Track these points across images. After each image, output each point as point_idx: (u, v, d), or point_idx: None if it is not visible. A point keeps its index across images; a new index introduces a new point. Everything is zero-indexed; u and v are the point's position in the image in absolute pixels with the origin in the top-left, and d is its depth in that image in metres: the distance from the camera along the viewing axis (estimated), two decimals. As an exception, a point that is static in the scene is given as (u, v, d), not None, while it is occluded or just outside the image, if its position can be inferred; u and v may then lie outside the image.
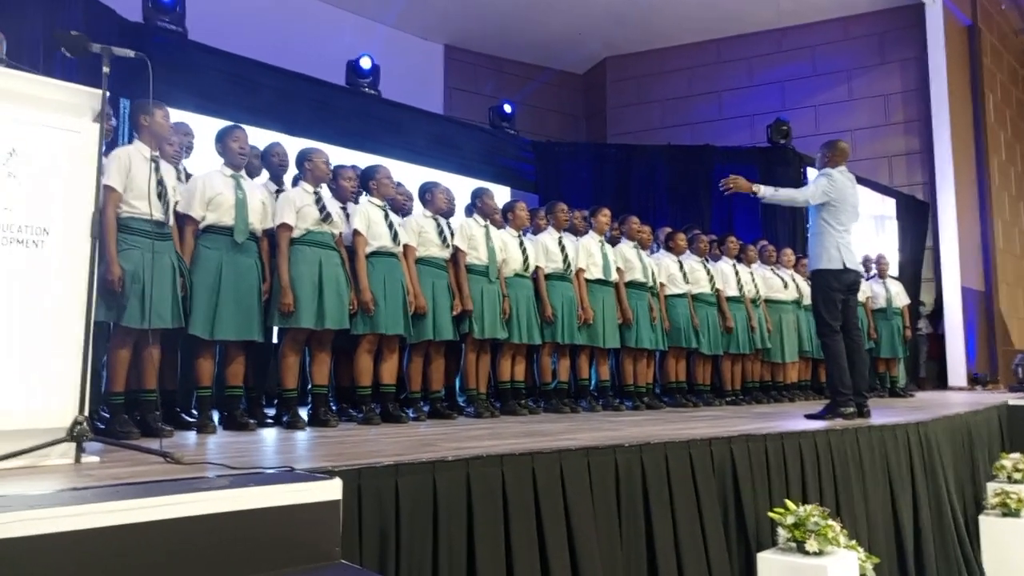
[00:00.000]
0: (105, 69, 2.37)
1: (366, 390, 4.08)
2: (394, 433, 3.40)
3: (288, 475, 1.92)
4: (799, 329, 6.92)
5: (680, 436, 3.01)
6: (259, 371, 4.07)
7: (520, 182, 9.65)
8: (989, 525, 4.57)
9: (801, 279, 7.08)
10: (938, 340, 10.79)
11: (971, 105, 11.55)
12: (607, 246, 5.54)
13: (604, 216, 5.58)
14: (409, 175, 6.08)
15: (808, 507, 2.89)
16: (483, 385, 4.78)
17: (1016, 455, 5.04)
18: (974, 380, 10.51)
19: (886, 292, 7.94)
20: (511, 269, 4.91)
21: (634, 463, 2.70)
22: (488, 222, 4.83)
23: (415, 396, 4.45)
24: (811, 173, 9.53)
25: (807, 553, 2.78)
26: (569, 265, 5.22)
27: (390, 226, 4.19)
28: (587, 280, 5.33)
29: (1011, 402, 6.70)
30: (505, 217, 5.06)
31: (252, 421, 3.66)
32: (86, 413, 2.23)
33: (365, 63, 8.12)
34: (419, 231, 4.42)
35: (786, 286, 6.94)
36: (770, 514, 2.96)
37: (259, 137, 4.51)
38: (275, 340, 4.08)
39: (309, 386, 4.06)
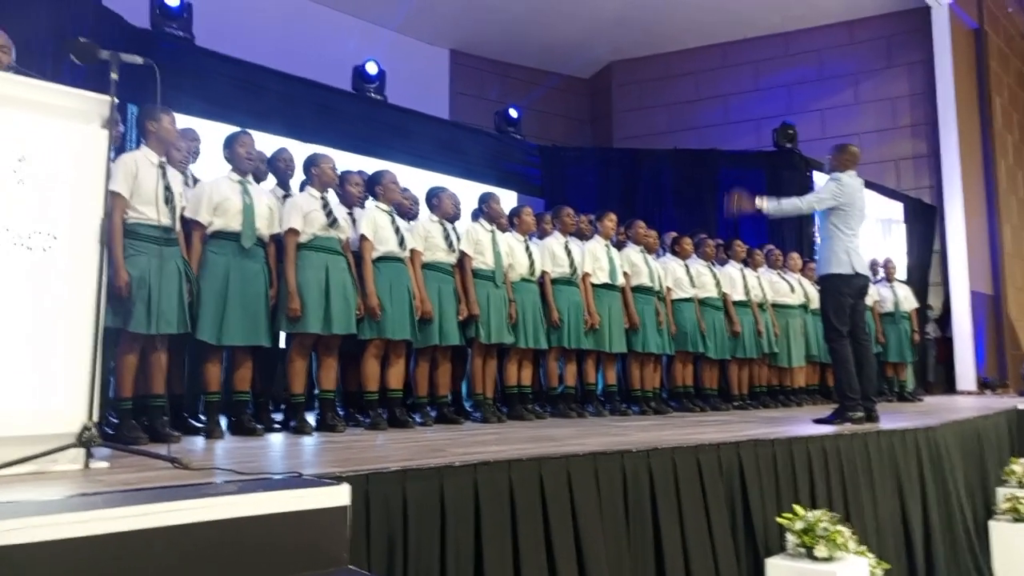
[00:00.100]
0: (113, 75, 2.38)
1: (373, 395, 4.08)
2: (401, 438, 3.40)
3: (296, 481, 1.91)
4: (806, 333, 6.89)
5: (688, 441, 3.00)
6: (266, 376, 4.08)
7: (526, 187, 9.65)
8: (999, 531, 4.54)
9: (808, 283, 7.06)
10: (946, 344, 10.74)
11: (978, 108, 11.51)
12: (613, 250, 5.54)
13: (610, 220, 5.58)
14: (415, 180, 6.08)
15: (817, 512, 2.87)
16: (490, 390, 4.78)
17: (1026, 460, 5.01)
18: (983, 384, 10.46)
19: (894, 296, 7.91)
20: (517, 274, 4.90)
21: (641, 468, 2.69)
22: (494, 227, 4.83)
23: (422, 401, 4.45)
24: (817, 177, 9.53)
25: (816, 559, 2.77)
26: (575, 270, 5.22)
27: (396, 231, 4.19)
28: (593, 285, 5.32)
29: (1021, 407, 6.65)
30: (511, 222, 5.06)
31: (259, 426, 3.67)
32: (95, 419, 2.23)
33: (371, 68, 8.14)
34: (425, 236, 4.42)
35: (793, 290, 6.92)
36: (779, 519, 2.95)
37: (265, 142, 4.52)
38: (282, 345, 4.08)
39: (316, 391, 4.06)
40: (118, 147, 3.63)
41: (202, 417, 3.92)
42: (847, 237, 4.44)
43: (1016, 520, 4.50)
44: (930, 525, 3.94)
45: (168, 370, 3.40)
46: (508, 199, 8.20)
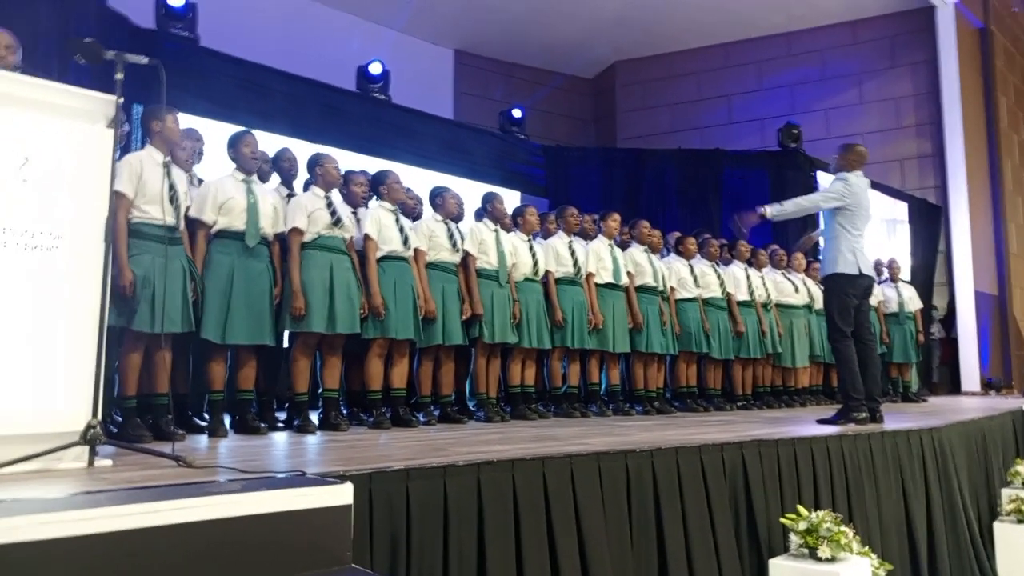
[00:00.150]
0: (119, 75, 2.39)
1: (376, 394, 4.09)
2: (404, 437, 3.40)
3: (299, 479, 1.92)
4: (810, 334, 6.88)
5: (691, 441, 3.00)
6: (270, 375, 4.08)
7: (530, 186, 9.65)
8: (1004, 532, 4.53)
9: (812, 283, 7.05)
10: (951, 345, 10.71)
11: (983, 108, 11.48)
12: (617, 250, 5.53)
13: (614, 220, 5.58)
14: (419, 180, 6.09)
15: (820, 513, 2.87)
16: (493, 389, 4.78)
17: (1031, 461, 5.00)
18: (988, 385, 10.43)
19: (898, 296, 7.89)
20: (521, 273, 4.90)
21: (645, 468, 2.69)
22: (498, 226, 4.83)
23: (425, 400, 4.45)
24: (821, 177, 9.51)
25: (819, 559, 2.76)
26: (579, 269, 5.21)
27: (401, 230, 4.20)
28: (597, 284, 5.32)
29: (1025, 407, 6.64)
30: (515, 221, 5.06)
31: (263, 425, 3.67)
32: (99, 417, 2.24)
33: (375, 68, 8.15)
34: (430, 235, 4.43)
35: (797, 290, 6.91)
36: (782, 520, 2.94)
37: (270, 142, 4.53)
38: (286, 344, 4.09)
39: (320, 390, 4.06)
40: (124, 147, 3.64)
41: (206, 416, 3.93)
42: (853, 237, 4.43)
43: (1020, 521, 4.48)
44: (934, 526, 3.93)
45: (172, 369, 3.42)
46: (512, 199, 8.20)
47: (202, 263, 3.52)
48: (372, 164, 5.72)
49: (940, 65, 10.84)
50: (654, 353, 5.59)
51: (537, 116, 11.23)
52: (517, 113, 9.66)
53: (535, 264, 4.98)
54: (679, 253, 6.14)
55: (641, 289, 5.61)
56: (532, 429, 3.93)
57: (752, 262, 6.69)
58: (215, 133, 4.37)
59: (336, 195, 4.03)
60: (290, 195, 4.11)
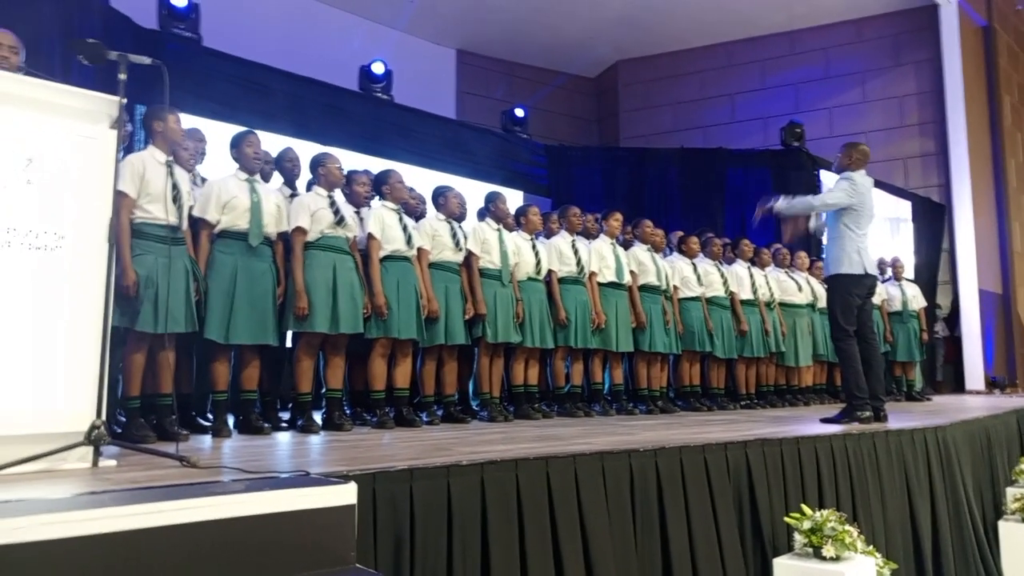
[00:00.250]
0: (122, 76, 2.39)
1: (380, 394, 4.09)
2: (408, 437, 3.40)
3: (303, 479, 1.92)
4: (814, 333, 6.87)
5: (695, 440, 2.99)
6: (274, 375, 4.09)
7: (533, 186, 9.65)
8: (1009, 530, 4.52)
9: (816, 282, 7.04)
10: (955, 343, 10.69)
11: (987, 106, 11.45)
12: (619, 249, 5.53)
13: (616, 220, 5.57)
14: (421, 179, 6.10)
15: (825, 512, 2.86)
16: (496, 389, 4.78)
17: (1035, 460, 4.98)
18: (992, 384, 10.40)
19: (902, 295, 7.87)
20: (524, 273, 4.90)
21: (649, 467, 2.69)
22: (501, 226, 4.83)
23: (428, 400, 4.45)
24: (824, 176, 9.49)
25: (824, 559, 2.76)
26: (582, 269, 5.21)
27: (404, 230, 4.20)
28: (600, 284, 5.32)
29: (1030, 406, 6.62)
30: (518, 221, 5.06)
31: (267, 425, 3.67)
32: (103, 417, 2.24)
33: (378, 68, 8.16)
34: (433, 235, 4.43)
35: (800, 289, 6.90)
36: (786, 519, 2.94)
37: (272, 142, 4.54)
38: (289, 344, 4.09)
39: (323, 390, 4.07)
40: (127, 147, 3.65)
41: (210, 416, 3.94)
42: (858, 237, 4.42)
43: (1025, 520, 4.47)
44: (938, 525, 3.92)
45: (176, 369, 3.42)
46: (514, 198, 8.21)
47: (205, 263, 3.53)
48: (374, 164, 5.72)
49: (944, 63, 10.82)
50: (657, 352, 5.59)
51: (539, 116, 11.23)
52: (519, 113, 9.66)
53: (538, 264, 4.97)
54: (682, 252, 6.14)
55: (644, 288, 5.61)
56: (535, 429, 3.93)
57: (755, 261, 6.68)
58: (218, 133, 4.37)
59: (339, 195, 4.03)
60: (293, 195, 4.11)
